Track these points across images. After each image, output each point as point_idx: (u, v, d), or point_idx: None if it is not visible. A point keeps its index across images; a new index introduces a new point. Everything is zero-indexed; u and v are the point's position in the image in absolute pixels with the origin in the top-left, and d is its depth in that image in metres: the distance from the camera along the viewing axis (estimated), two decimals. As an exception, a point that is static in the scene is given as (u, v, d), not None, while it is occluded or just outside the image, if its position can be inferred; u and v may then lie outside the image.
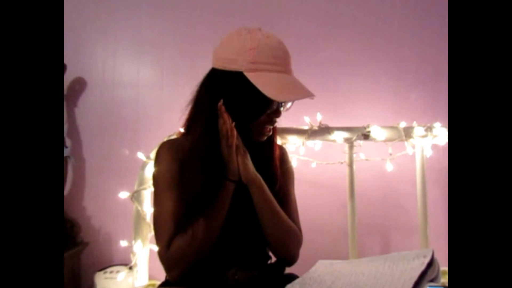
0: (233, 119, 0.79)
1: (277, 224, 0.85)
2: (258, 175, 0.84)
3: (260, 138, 0.87)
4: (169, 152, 0.84)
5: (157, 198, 0.85)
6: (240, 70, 0.79)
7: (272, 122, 0.86)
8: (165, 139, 1.34)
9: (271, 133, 0.88)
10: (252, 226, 0.85)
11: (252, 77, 0.78)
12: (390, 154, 1.43)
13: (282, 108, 0.86)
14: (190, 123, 0.87)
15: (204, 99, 0.84)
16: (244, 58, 0.79)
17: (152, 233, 1.26)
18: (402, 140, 1.40)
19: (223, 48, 0.83)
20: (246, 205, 0.83)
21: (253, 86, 0.77)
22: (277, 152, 0.93)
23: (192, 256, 0.78)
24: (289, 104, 0.87)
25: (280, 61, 0.81)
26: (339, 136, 1.36)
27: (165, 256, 0.78)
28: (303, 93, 0.81)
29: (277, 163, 0.92)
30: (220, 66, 0.82)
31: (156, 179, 0.85)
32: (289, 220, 0.88)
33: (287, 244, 0.88)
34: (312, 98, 0.82)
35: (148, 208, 1.33)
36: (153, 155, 1.35)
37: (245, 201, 0.83)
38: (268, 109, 0.83)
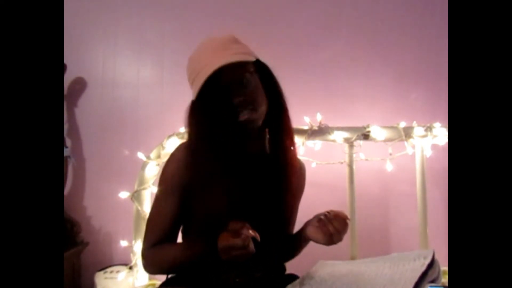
0: (211, 126, 0.81)
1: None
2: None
3: (248, 125, 0.82)
4: (180, 157, 0.85)
5: (157, 199, 0.88)
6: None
7: (236, 104, 0.80)
8: (165, 139, 1.34)
9: (248, 116, 0.81)
10: (257, 231, 0.85)
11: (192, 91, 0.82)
12: (390, 154, 1.43)
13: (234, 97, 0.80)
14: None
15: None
16: (188, 79, 0.85)
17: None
18: (402, 140, 1.40)
19: None
20: (248, 209, 0.83)
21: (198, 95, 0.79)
22: (295, 168, 0.91)
23: (162, 270, 0.87)
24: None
25: (199, 64, 0.80)
26: (339, 136, 1.36)
27: (144, 256, 0.88)
28: (209, 70, 0.75)
29: (290, 183, 0.90)
30: None
31: (160, 180, 0.87)
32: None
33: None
34: (230, 61, 0.76)
35: (148, 208, 1.33)
36: (153, 155, 1.35)
37: (248, 205, 0.83)
38: (223, 100, 0.80)
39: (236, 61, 0.76)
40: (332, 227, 0.78)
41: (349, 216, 1.33)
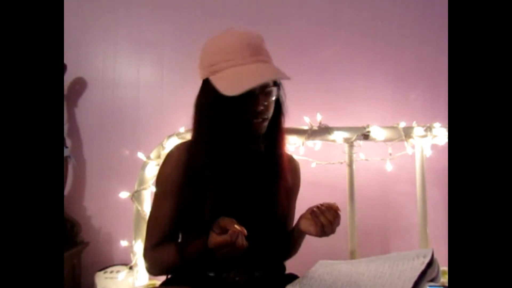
0: (223, 122, 0.81)
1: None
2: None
3: (257, 131, 0.84)
4: (178, 156, 0.86)
5: (156, 199, 0.88)
6: (207, 77, 0.81)
7: (258, 111, 0.81)
8: (165, 139, 1.35)
9: (265, 122, 0.84)
10: (255, 229, 0.85)
11: (213, 79, 0.79)
12: (390, 154, 1.43)
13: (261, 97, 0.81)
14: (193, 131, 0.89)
15: (197, 110, 0.86)
16: (206, 63, 0.81)
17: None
18: (401, 140, 1.40)
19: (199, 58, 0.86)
20: (249, 209, 0.83)
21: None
22: (285, 166, 0.92)
23: (163, 271, 0.86)
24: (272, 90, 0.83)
25: (234, 55, 0.79)
26: (339, 136, 1.36)
27: (145, 257, 0.88)
28: (261, 78, 0.76)
29: (285, 180, 0.92)
30: (200, 77, 0.85)
31: (158, 180, 0.88)
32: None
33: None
34: (282, 78, 0.80)
35: (148, 208, 1.33)
36: (153, 155, 1.35)
37: (248, 205, 0.84)
38: (245, 103, 0.80)
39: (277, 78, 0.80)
40: (324, 218, 0.78)
41: (348, 216, 1.36)
